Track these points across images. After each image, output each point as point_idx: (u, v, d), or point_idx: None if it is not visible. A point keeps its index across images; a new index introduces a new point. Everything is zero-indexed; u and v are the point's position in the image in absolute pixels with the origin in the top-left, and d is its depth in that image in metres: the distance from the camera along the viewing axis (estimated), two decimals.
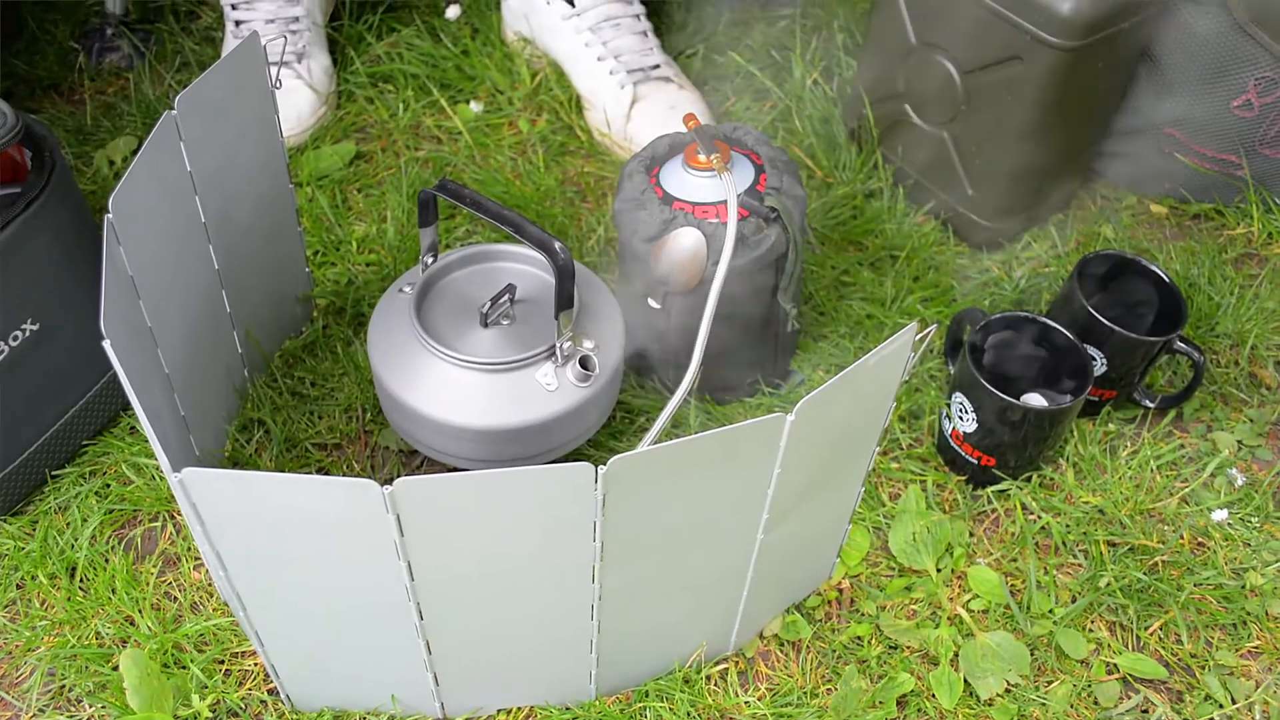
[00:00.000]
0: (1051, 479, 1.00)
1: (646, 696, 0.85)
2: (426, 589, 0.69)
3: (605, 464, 0.61)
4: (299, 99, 1.26)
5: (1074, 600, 0.93)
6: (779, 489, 0.71)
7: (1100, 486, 1.00)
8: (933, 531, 0.95)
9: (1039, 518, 0.97)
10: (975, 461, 0.98)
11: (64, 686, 0.86)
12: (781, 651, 0.90)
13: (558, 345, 0.85)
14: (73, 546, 0.92)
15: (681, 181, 0.93)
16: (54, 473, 0.96)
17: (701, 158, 0.91)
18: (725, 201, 0.90)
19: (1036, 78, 1.04)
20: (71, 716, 0.84)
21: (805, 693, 0.87)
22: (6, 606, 0.90)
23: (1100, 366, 1.00)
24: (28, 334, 0.88)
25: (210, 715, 0.83)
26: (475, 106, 1.32)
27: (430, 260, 0.90)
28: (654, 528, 0.70)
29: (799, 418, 0.66)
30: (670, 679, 0.86)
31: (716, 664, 0.88)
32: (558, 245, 0.79)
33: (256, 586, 0.71)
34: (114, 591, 0.90)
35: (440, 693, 0.81)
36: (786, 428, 0.66)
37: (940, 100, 1.13)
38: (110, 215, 0.73)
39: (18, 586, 0.91)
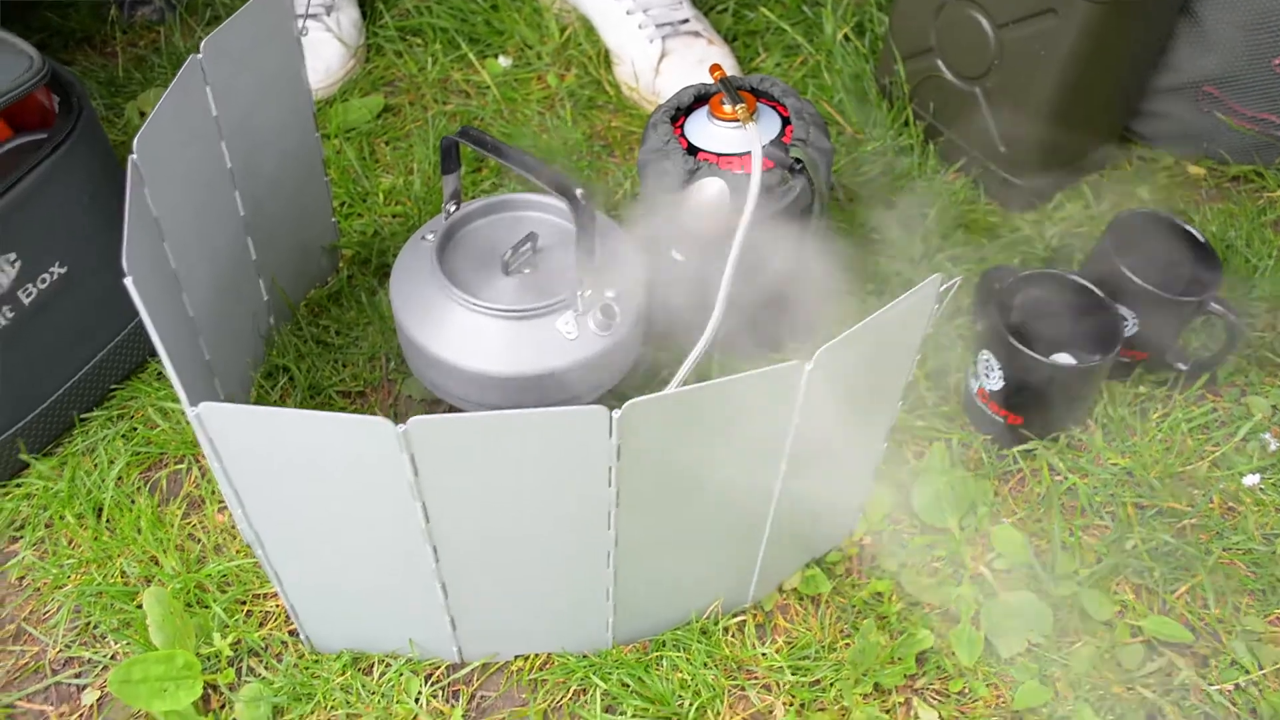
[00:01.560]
0: (1079, 440, 0.99)
1: (663, 646, 0.85)
2: (442, 531, 0.70)
3: (620, 408, 0.61)
4: (328, 52, 1.26)
5: (1099, 561, 0.92)
6: (798, 439, 0.71)
7: (1129, 448, 0.99)
8: (957, 490, 0.94)
9: (1065, 478, 0.96)
10: (1001, 420, 0.97)
11: (89, 623, 0.87)
12: (800, 605, 0.89)
13: (578, 293, 0.84)
14: (100, 487, 0.93)
15: (706, 132, 0.92)
16: (82, 416, 0.97)
17: (727, 108, 0.90)
18: (750, 152, 0.89)
19: (1071, 31, 1.02)
20: (96, 652, 0.86)
21: (823, 646, 0.86)
22: (35, 545, 0.91)
23: (1132, 327, 0.99)
24: (55, 277, 0.89)
25: (231, 654, 0.84)
26: (504, 61, 1.31)
27: (453, 208, 0.90)
28: (670, 474, 0.70)
29: (818, 366, 0.65)
30: (687, 629, 0.86)
31: (734, 616, 0.88)
32: (579, 190, 0.79)
33: (275, 525, 0.72)
34: (139, 532, 0.91)
35: (458, 636, 0.82)
36: (805, 376, 0.65)
37: (973, 55, 1.12)
38: (134, 155, 0.73)
39: (46, 525, 0.92)
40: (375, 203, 1.16)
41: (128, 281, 0.65)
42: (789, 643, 0.87)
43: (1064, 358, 1.00)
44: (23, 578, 0.90)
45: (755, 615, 0.88)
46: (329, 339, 1.04)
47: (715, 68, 0.93)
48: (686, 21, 1.26)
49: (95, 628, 0.87)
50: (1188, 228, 1.00)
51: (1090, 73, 1.06)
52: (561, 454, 0.65)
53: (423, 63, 1.31)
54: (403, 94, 1.28)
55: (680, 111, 0.95)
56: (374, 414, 0.98)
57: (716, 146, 0.91)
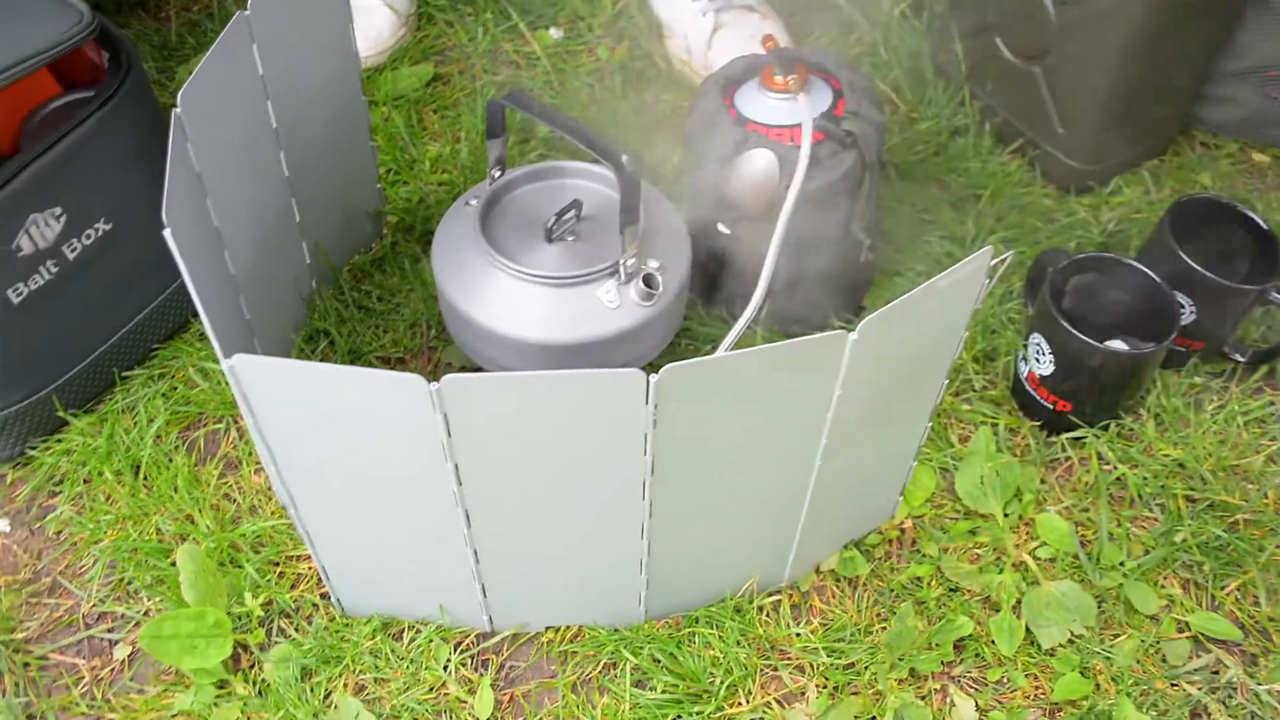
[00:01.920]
0: (1130, 429, 0.96)
1: (696, 623, 0.84)
2: (474, 495, 0.69)
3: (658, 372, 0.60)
4: (379, 20, 1.25)
5: (1147, 554, 0.89)
6: (839, 413, 0.69)
7: (1182, 439, 0.96)
8: (1002, 475, 0.92)
9: (1115, 468, 0.94)
10: (1050, 406, 0.95)
11: (124, 579, 0.88)
12: (837, 587, 0.88)
13: (621, 262, 0.83)
14: (138, 445, 0.94)
15: (757, 103, 0.90)
16: (124, 373, 0.97)
17: (778, 79, 0.89)
18: (800, 124, 0.87)
19: (1135, 11, 0.99)
20: (129, 608, 0.86)
21: (859, 629, 0.85)
22: (73, 500, 0.92)
23: (1188, 315, 0.96)
24: (100, 233, 0.89)
25: (262, 614, 0.84)
26: (555, 32, 1.30)
27: (497, 173, 0.89)
28: (707, 443, 0.68)
29: (862, 336, 0.63)
30: (721, 607, 0.84)
31: (769, 595, 0.86)
32: (624, 157, 0.78)
33: (308, 484, 0.71)
34: (176, 490, 0.91)
35: (489, 605, 0.81)
36: (848, 346, 0.64)
37: (1033, 34, 1.09)
38: (178, 109, 0.73)
39: (85, 481, 0.93)
40: (421, 170, 1.15)
41: (167, 233, 0.65)
42: (824, 624, 0.86)
43: (1117, 344, 0.97)
44: (60, 532, 0.91)
45: (791, 595, 0.87)
46: (370, 304, 1.04)
47: (768, 38, 0.91)
48: None
49: (129, 583, 0.87)
50: (1250, 215, 0.97)
51: (1153, 54, 1.03)
52: (597, 418, 0.63)
53: (473, 32, 1.30)
54: (452, 63, 1.28)
55: (731, 83, 0.93)
56: None
57: (767, 118, 0.89)
